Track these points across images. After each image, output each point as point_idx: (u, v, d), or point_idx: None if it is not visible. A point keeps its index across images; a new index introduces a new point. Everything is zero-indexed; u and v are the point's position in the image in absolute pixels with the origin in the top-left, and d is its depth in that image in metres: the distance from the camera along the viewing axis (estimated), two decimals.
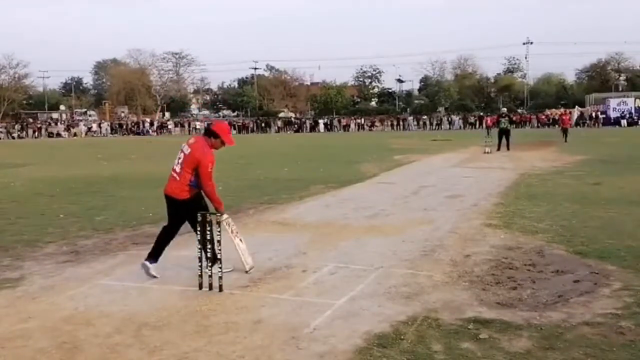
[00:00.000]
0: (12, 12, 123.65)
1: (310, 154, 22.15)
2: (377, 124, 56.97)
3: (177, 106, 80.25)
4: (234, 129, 54.29)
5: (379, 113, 68.48)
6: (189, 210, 4.96)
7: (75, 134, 54.67)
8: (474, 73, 78.27)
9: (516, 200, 9.12)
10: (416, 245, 6.16)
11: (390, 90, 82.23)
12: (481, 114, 57.79)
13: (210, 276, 4.64)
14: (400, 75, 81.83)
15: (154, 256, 5.10)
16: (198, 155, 4.92)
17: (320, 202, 9.53)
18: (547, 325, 3.77)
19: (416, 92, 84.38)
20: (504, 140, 20.95)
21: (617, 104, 50.19)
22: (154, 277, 5.02)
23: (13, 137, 51.69)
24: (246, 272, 5.06)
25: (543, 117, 52.26)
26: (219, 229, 4.66)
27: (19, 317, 4.14)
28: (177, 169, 5.01)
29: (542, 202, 8.82)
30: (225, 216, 5.03)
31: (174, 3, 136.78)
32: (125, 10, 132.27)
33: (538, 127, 49.42)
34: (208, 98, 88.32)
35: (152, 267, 5.07)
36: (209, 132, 5.13)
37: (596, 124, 47.93)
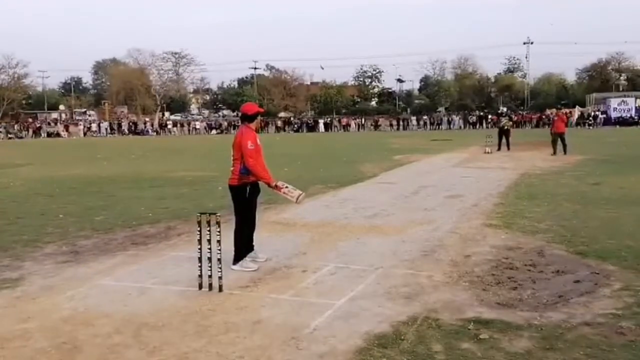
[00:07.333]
0: (11, 12, 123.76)
1: (310, 154, 22.14)
2: (380, 123, 56.74)
3: (176, 106, 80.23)
4: (233, 128, 54.40)
5: (379, 113, 68.50)
6: (234, 196, 5.35)
7: (70, 132, 54.66)
8: (475, 73, 78.15)
9: (516, 200, 9.12)
10: (416, 245, 6.15)
11: (390, 90, 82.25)
12: (481, 113, 57.78)
13: (210, 276, 4.63)
14: (400, 75, 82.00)
15: (237, 257, 5.33)
16: (239, 139, 5.29)
17: (320, 202, 9.52)
18: (548, 325, 3.76)
19: (416, 92, 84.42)
20: (504, 140, 20.95)
21: (618, 104, 50.18)
22: (257, 265, 5.34)
23: (12, 137, 51.69)
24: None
25: (538, 117, 51.68)
26: (218, 229, 4.65)
27: (18, 317, 4.13)
28: (232, 161, 5.37)
29: (542, 202, 8.81)
30: (284, 186, 5.47)
31: (174, 2, 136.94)
32: (125, 9, 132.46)
33: (538, 127, 49.29)
34: (208, 98, 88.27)
35: (245, 262, 5.32)
36: (242, 118, 5.55)
37: (594, 124, 47.85)
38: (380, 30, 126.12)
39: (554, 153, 17.98)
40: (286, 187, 5.50)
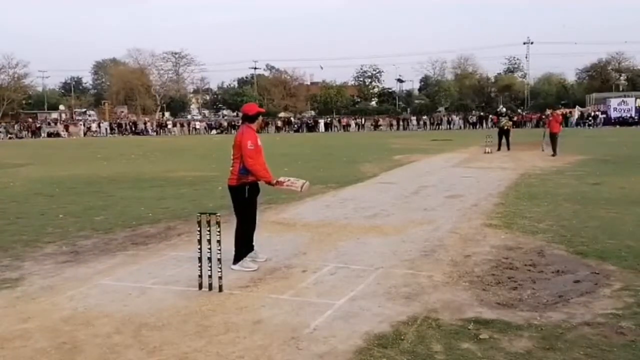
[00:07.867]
0: (11, 12, 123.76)
1: (310, 154, 22.15)
2: (380, 123, 56.67)
3: (176, 106, 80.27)
4: (233, 128, 54.45)
5: (379, 113, 68.51)
6: (234, 196, 5.34)
7: (70, 132, 54.65)
8: (474, 73, 78.19)
9: (516, 200, 9.11)
10: (416, 245, 6.15)
11: (390, 90, 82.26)
12: (481, 113, 57.77)
13: (210, 276, 4.63)
14: (400, 75, 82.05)
15: (237, 257, 5.33)
16: (239, 138, 5.29)
17: (320, 202, 9.52)
18: (548, 325, 3.76)
19: (416, 92, 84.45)
20: (504, 140, 20.94)
21: (618, 104, 50.19)
22: (257, 265, 5.34)
23: (12, 137, 51.68)
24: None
25: (538, 117, 51.53)
26: (218, 229, 4.64)
27: (18, 317, 4.13)
28: (231, 161, 5.36)
29: (542, 202, 8.81)
30: (286, 179, 5.52)
31: (174, 2, 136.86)
32: (125, 9, 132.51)
33: (537, 127, 49.21)
34: (208, 98, 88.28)
35: (245, 262, 5.32)
36: (243, 118, 5.53)
37: (594, 124, 47.83)
38: (380, 30, 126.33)
39: (555, 154, 17.93)
40: (288, 179, 5.53)
